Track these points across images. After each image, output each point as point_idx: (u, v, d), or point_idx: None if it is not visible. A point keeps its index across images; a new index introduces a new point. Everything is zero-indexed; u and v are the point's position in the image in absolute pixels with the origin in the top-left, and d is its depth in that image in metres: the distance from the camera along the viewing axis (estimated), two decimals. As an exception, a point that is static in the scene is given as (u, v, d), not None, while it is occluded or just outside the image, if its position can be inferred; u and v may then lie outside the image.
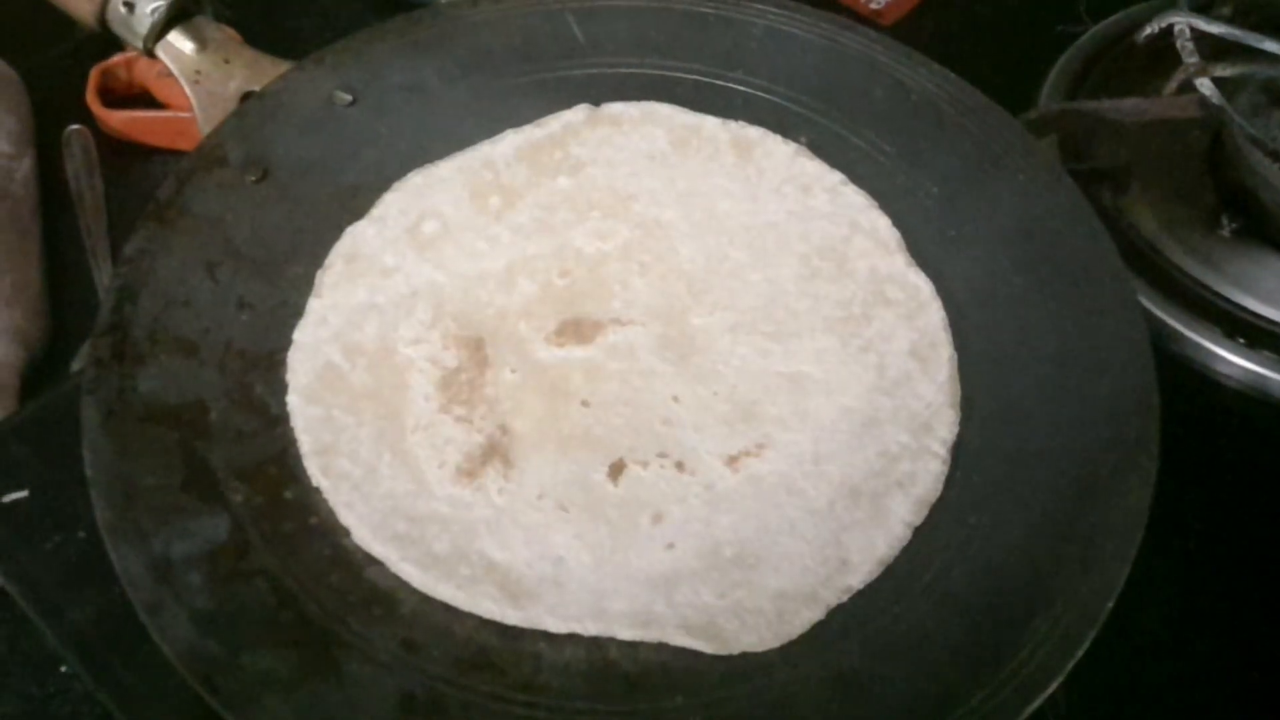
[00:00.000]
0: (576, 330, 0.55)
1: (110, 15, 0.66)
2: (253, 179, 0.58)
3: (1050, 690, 0.43)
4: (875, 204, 0.59)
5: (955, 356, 0.54)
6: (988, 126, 0.60)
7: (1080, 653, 0.44)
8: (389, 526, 0.48)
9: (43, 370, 0.65)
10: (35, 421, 0.55)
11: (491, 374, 0.53)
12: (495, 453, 0.51)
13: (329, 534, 0.48)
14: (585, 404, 0.52)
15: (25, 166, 0.72)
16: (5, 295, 0.65)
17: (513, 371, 0.53)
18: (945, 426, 0.51)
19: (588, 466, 0.50)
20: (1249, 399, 0.65)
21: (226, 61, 0.66)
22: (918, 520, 0.49)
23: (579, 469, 0.50)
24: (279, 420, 0.51)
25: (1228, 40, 0.73)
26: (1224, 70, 0.73)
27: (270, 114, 0.60)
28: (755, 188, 0.60)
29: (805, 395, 0.53)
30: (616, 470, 0.50)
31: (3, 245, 0.67)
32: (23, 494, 0.53)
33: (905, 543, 0.48)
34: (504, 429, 0.51)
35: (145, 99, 0.76)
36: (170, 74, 0.66)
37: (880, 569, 0.48)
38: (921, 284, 0.56)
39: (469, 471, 0.50)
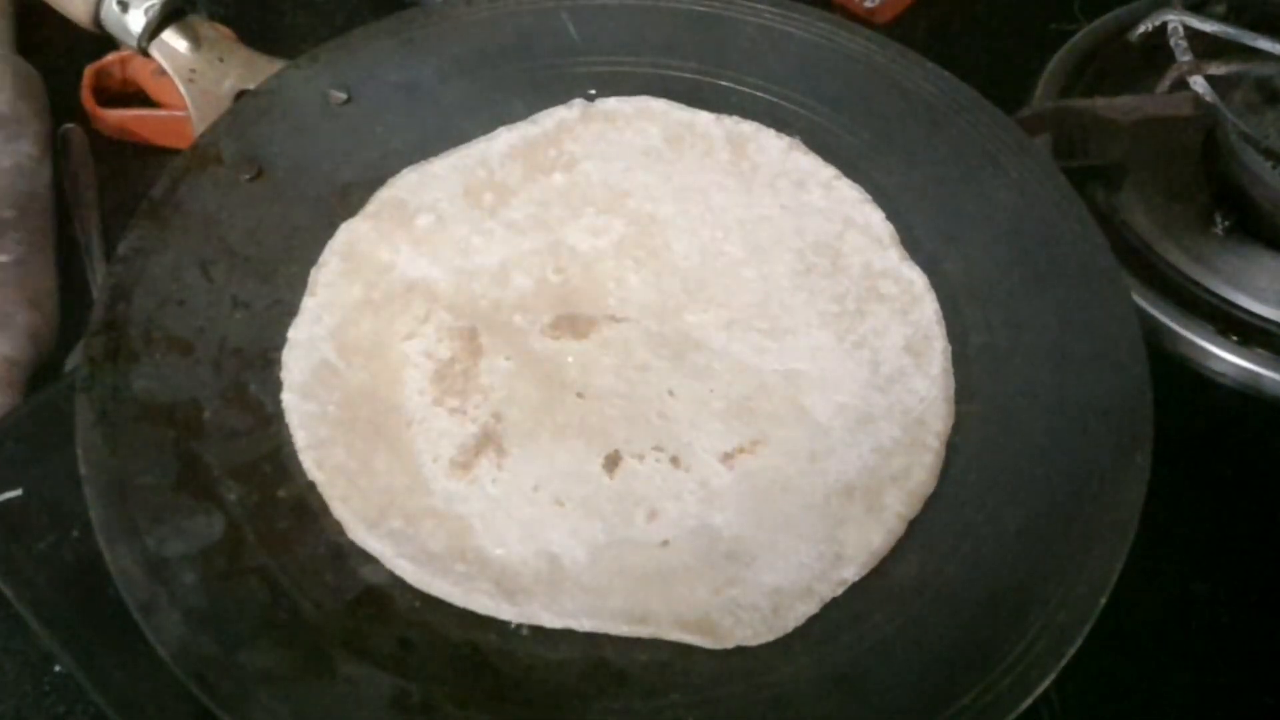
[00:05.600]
0: (571, 325, 0.55)
1: (104, 14, 0.66)
2: (247, 177, 0.58)
3: (1044, 687, 0.43)
4: (869, 198, 0.59)
5: (949, 349, 0.54)
6: (981, 124, 0.60)
7: (1074, 649, 0.44)
8: (384, 523, 0.48)
9: (41, 367, 0.65)
10: (29, 420, 0.55)
11: (486, 362, 0.53)
12: (489, 442, 0.51)
13: (323, 532, 0.48)
14: (580, 395, 0.52)
15: (46, 172, 0.72)
16: (29, 297, 0.65)
17: (507, 359, 0.53)
18: (939, 420, 0.51)
19: (583, 457, 0.50)
20: (1242, 396, 0.65)
21: (221, 60, 0.66)
22: (912, 513, 0.49)
23: (574, 460, 0.50)
24: (273, 419, 0.51)
25: (1221, 38, 0.73)
26: (1217, 68, 0.73)
27: (265, 112, 0.60)
28: (749, 182, 0.60)
29: (800, 392, 0.53)
30: (612, 462, 0.50)
31: (31, 250, 0.67)
32: (16, 493, 0.53)
33: (899, 535, 0.48)
34: (498, 417, 0.51)
35: (140, 98, 0.76)
36: (165, 73, 0.66)
37: (875, 561, 0.48)
38: (915, 278, 0.56)
39: (463, 464, 0.50)
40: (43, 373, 0.64)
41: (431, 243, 0.57)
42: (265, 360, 0.52)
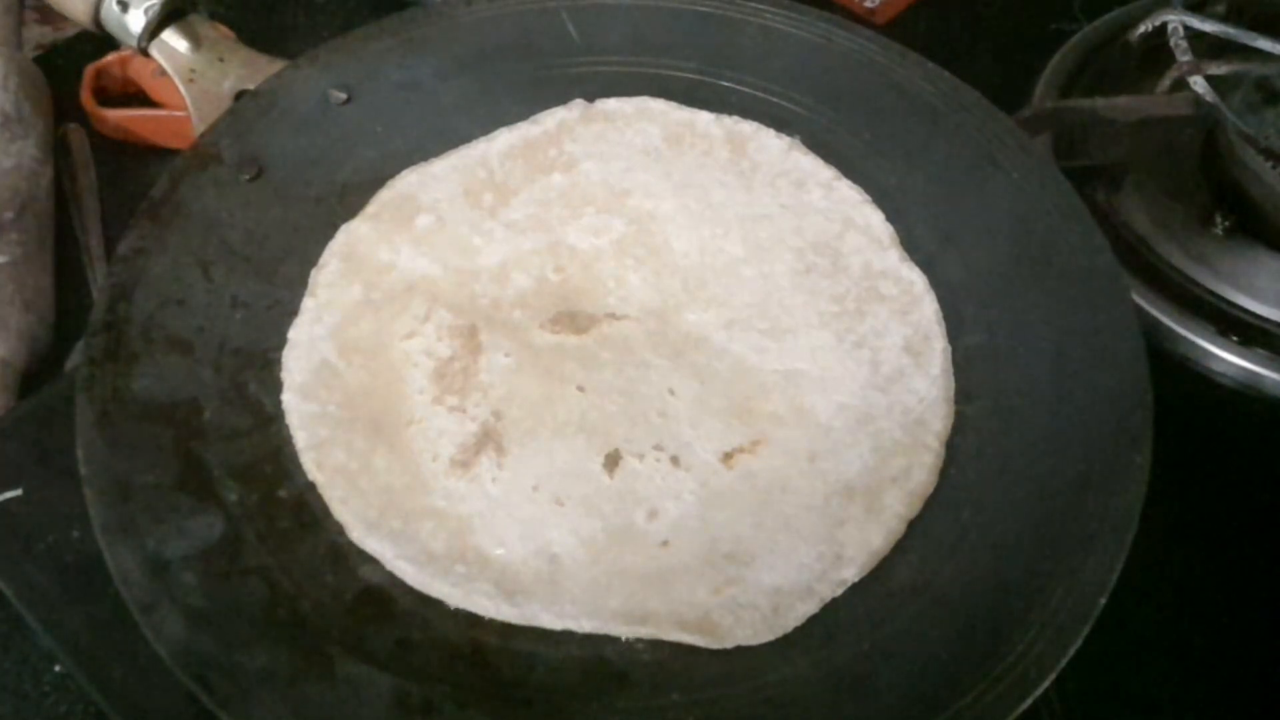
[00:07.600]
0: (572, 323, 0.55)
1: (104, 14, 0.66)
2: (247, 177, 0.58)
3: (1044, 687, 0.43)
4: (869, 199, 0.59)
5: (949, 349, 0.54)
6: (982, 124, 0.60)
7: (1073, 649, 0.44)
8: (384, 523, 0.48)
9: (37, 368, 0.65)
10: (29, 420, 0.55)
11: (485, 359, 0.53)
12: (489, 440, 0.50)
13: (324, 532, 0.48)
14: (580, 389, 0.52)
15: (48, 173, 0.72)
16: (26, 299, 0.65)
17: (506, 356, 0.53)
18: (939, 420, 0.52)
19: (583, 456, 0.50)
20: (1242, 396, 0.65)
21: (221, 60, 0.66)
22: (911, 513, 0.49)
23: (574, 458, 0.50)
24: (273, 419, 0.51)
25: (1221, 38, 0.73)
26: (1217, 68, 0.73)
27: (265, 112, 0.60)
28: (749, 180, 0.60)
29: (800, 392, 0.53)
30: (612, 461, 0.50)
31: (29, 251, 0.67)
32: (16, 493, 0.53)
33: (899, 536, 0.48)
34: (498, 415, 0.51)
35: (140, 98, 0.76)
36: (165, 73, 0.66)
37: (875, 562, 0.48)
38: (915, 279, 0.56)
39: (463, 462, 0.50)
40: (42, 373, 0.64)
41: (432, 243, 0.57)
42: (265, 360, 0.52)
